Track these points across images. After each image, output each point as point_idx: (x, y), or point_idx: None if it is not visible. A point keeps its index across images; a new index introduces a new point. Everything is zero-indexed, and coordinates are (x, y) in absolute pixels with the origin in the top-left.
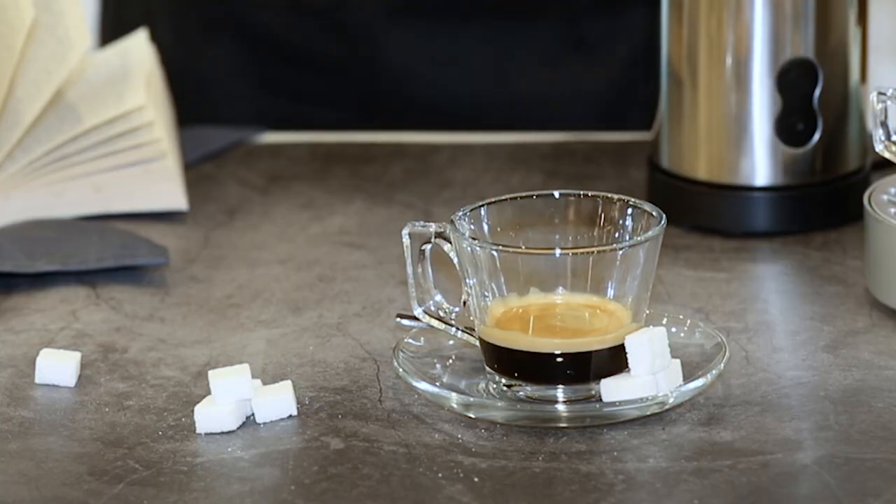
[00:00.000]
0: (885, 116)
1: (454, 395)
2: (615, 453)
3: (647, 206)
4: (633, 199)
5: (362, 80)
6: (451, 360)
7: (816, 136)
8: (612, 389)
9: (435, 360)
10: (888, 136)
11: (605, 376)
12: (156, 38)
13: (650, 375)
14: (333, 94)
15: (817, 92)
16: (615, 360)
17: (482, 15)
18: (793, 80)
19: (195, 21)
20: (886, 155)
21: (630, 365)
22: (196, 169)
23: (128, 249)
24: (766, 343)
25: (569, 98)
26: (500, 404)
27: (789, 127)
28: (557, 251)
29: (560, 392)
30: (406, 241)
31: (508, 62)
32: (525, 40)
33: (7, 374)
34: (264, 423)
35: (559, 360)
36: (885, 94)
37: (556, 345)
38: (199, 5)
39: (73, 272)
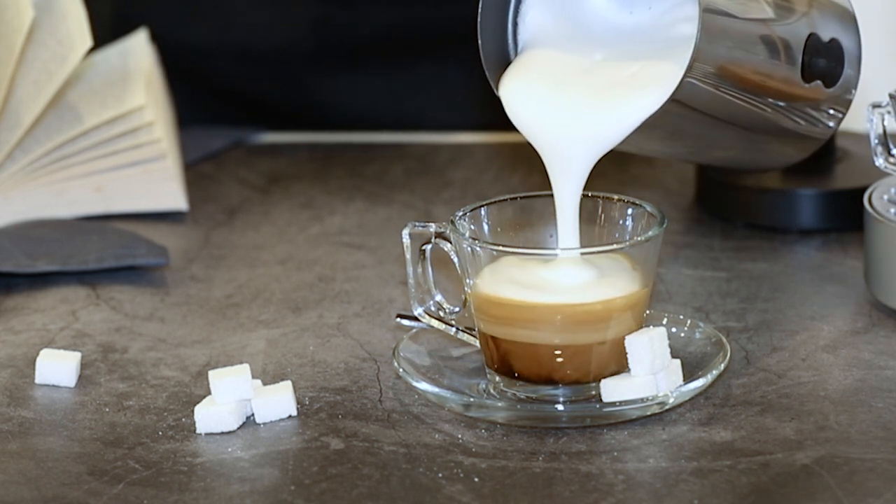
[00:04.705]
0: (884, 130)
1: (454, 395)
2: (615, 453)
3: (648, 206)
4: (633, 199)
5: (317, 128)
6: (451, 360)
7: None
8: (612, 389)
9: (435, 360)
10: (889, 152)
11: (605, 376)
12: None
13: (650, 375)
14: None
15: None
16: (615, 360)
17: (434, 53)
18: None
19: None
20: (888, 170)
21: (630, 365)
22: (196, 169)
23: (128, 249)
24: (766, 343)
25: None
26: (500, 404)
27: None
28: (557, 251)
29: (560, 392)
30: (406, 241)
31: (470, 88)
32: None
33: (7, 374)
34: (264, 424)
35: (559, 360)
36: (880, 105)
37: (556, 345)
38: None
39: (73, 272)
